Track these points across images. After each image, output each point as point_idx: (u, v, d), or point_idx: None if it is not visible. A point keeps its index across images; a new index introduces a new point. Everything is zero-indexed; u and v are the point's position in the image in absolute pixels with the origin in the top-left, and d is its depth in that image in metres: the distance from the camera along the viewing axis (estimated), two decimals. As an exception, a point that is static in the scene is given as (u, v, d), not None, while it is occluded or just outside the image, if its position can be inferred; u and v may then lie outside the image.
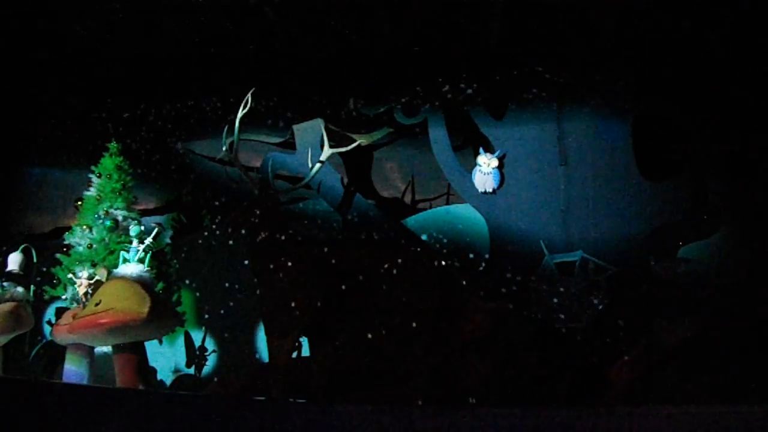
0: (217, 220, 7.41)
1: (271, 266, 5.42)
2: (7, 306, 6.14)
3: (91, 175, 6.74)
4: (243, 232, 6.12)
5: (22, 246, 6.76)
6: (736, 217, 6.62)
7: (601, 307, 6.42)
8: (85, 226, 6.45)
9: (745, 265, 6.43)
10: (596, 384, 6.20)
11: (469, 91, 7.21)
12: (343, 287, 5.23)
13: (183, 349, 7.12)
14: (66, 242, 6.53)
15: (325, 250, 5.56)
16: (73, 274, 6.18)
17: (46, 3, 6.44)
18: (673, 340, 6.31)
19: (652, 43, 6.75)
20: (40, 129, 8.09)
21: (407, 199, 7.49)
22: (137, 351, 5.95)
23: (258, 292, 5.89)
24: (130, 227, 6.33)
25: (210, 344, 7.11)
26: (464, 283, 5.32)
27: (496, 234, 6.88)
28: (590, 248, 6.64)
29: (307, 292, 5.12)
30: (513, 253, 6.75)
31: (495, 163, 6.95)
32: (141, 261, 6.00)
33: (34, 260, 6.80)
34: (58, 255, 6.55)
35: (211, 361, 7.07)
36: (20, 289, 6.37)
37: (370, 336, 5.11)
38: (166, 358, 6.99)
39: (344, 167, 7.51)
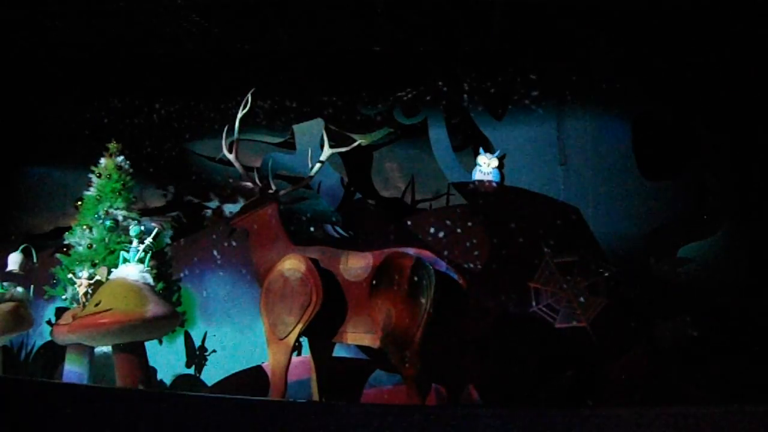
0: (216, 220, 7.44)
1: (272, 266, 5.41)
2: (7, 306, 6.13)
3: (91, 175, 6.74)
4: (243, 232, 6.10)
5: (22, 246, 6.76)
6: (736, 217, 6.63)
7: (601, 307, 6.42)
8: (85, 226, 6.45)
9: (745, 265, 6.44)
10: (596, 384, 6.21)
11: (469, 91, 7.22)
12: (343, 287, 5.22)
13: (183, 349, 7.12)
14: (66, 242, 6.52)
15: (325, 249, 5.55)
16: (73, 274, 6.17)
17: (46, 3, 6.44)
18: (673, 340, 6.31)
19: (652, 43, 6.75)
20: (40, 129, 8.09)
21: (407, 199, 7.49)
22: (137, 351, 5.94)
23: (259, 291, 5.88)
24: (130, 227, 6.32)
25: (210, 344, 7.11)
26: (464, 283, 5.32)
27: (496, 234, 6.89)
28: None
29: (307, 292, 5.11)
30: (513, 253, 6.75)
31: (495, 163, 6.97)
32: (141, 261, 6.00)
33: (34, 260, 6.80)
34: (58, 255, 6.55)
35: (211, 361, 7.07)
36: (20, 289, 6.37)
37: (370, 336, 5.10)
38: (166, 358, 6.99)
39: (344, 167, 7.51)
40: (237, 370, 6.70)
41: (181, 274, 7.13)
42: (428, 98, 7.30)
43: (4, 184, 8.05)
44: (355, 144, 6.14)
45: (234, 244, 7.20)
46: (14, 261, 6.62)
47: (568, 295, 6.49)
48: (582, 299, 6.46)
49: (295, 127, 7.50)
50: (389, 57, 7.22)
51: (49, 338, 6.44)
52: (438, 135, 7.22)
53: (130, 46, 7.23)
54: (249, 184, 5.80)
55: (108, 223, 6.44)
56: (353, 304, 5.15)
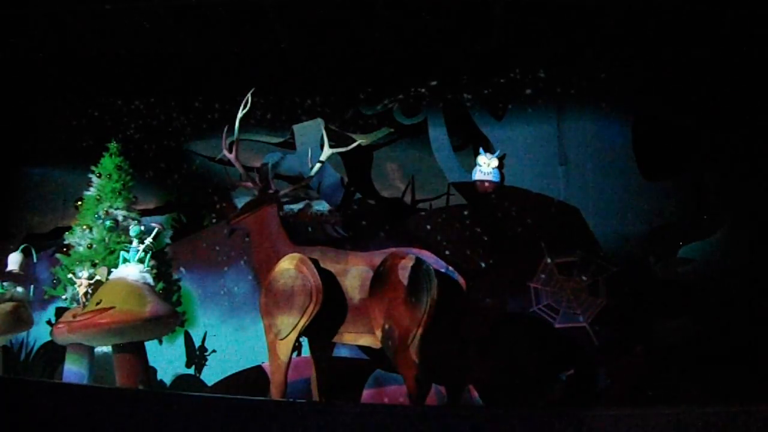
0: (214, 221, 7.44)
1: (271, 266, 5.41)
2: (7, 306, 6.13)
3: (91, 175, 6.73)
4: (242, 232, 6.10)
5: (22, 246, 6.76)
6: (736, 217, 6.63)
7: (601, 307, 6.43)
8: (85, 226, 6.45)
9: (745, 265, 6.44)
10: (596, 384, 6.21)
11: (469, 91, 7.23)
12: (343, 287, 5.23)
13: (183, 349, 7.12)
14: (66, 242, 6.52)
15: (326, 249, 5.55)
16: (73, 274, 6.17)
17: (46, 2, 6.44)
18: (673, 340, 6.32)
19: (652, 43, 6.75)
20: (40, 129, 8.09)
21: (407, 199, 7.49)
22: (137, 351, 5.94)
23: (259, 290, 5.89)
24: (130, 227, 6.32)
25: (210, 344, 7.12)
26: (464, 283, 5.32)
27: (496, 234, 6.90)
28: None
29: (307, 292, 5.11)
30: (513, 253, 6.76)
31: (495, 163, 6.98)
32: (141, 261, 6.00)
33: (34, 260, 6.80)
34: (58, 255, 6.55)
35: (211, 362, 7.07)
36: (20, 289, 6.37)
37: (370, 336, 5.10)
38: (166, 358, 7.00)
39: (344, 167, 7.51)
40: (237, 370, 6.70)
41: (181, 274, 7.13)
42: (428, 98, 7.31)
43: (4, 184, 8.04)
44: (355, 144, 6.14)
45: (234, 244, 7.19)
46: (14, 261, 6.61)
47: (568, 295, 6.49)
48: (582, 299, 6.46)
49: (295, 127, 7.51)
50: (389, 57, 7.22)
51: (49, 338, 6.44)
52: (438, 135, 7.23)
53: (129, 46, 7.23)
54: (249, 184, 5.79)
55: (108, 223, 6.45)
56: (353, 304, 5.15)
